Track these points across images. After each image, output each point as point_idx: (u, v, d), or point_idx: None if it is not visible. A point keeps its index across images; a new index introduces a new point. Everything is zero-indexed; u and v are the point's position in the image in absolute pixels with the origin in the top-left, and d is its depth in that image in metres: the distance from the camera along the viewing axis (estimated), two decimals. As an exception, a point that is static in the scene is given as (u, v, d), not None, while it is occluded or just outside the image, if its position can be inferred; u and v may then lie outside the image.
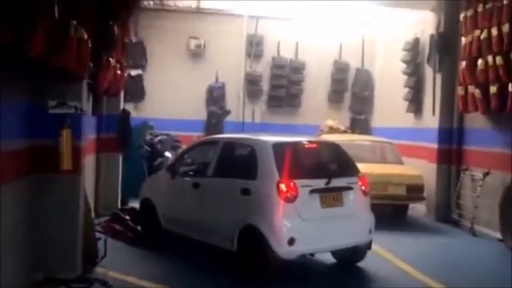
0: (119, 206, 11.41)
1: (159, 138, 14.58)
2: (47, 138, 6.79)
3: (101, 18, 7.27)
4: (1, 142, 5.46)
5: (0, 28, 4.09)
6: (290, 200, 7.31)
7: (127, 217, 10.05)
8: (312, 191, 7.48)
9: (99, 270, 7.62)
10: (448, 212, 12.15)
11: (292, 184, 7.35)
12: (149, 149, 14.03)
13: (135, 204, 10.62)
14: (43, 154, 6.78)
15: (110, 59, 8.77)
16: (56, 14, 4.88)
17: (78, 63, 6.13)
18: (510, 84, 9.75)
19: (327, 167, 8.54)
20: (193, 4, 16.40)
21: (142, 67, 16.33)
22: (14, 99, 6.11)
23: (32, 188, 6.65)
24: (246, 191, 7.67)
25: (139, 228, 9.75)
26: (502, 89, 9.99)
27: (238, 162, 8.52)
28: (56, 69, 5.96)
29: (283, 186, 7.31)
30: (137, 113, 15.62)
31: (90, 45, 6.55)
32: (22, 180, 6.41)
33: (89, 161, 9.64)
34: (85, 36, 6.16)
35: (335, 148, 8.78)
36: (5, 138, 5.63)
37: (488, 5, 10.30)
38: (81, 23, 5.96)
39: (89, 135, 9.47)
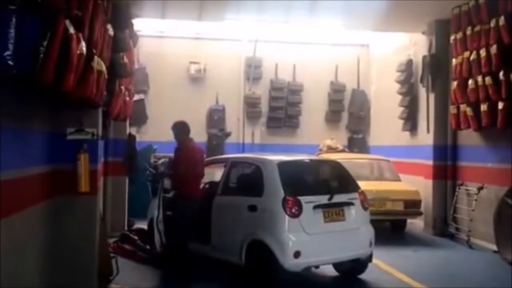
0: (125, 227, 11.62)
1: (162, 160, 14.89)
2: (66, 162, 7.07)
3: (115, 50, 7.72)
4: (28, 167, 5.87)
5: (43, 69, 4.39)
6: (295, 215, 7.57)
7: (136, 237, 10.27)
8: (316, 207, 7.76)
9: (113, 286, 7.90)
10: (445, 226, 12.32)
11: (296, 200, 7.63)
12: (153, 171, 14.28)
13: (141, 225, 10.82)
14: (63, 177, 7.08)
15: (121, 86, 9.19)
16: (84, 51, 5.27)
17: (96, 93, 6.52)
18: (499, 102, 10.04)
19: (329, 184, 8.85)
20: (193, 31, 16.58)
21: (144, 92, 16.55)
22: (37, 127, 6.49)
23: (54, 209, 6.98)
24: (253, 208, 7.94)
25: (148, 247, 9.89)
26: (492, 107, 10.26)
27: (245, 181, 8.78)
28: (74, 98, 6.21)
29: (288, 202, 7.58)
30: (139, 136, 15.49)
31: (106, 76, 6.97)
32: (46, 202, 6.76)
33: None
34: (104, 68, 6.59)
35: (336, 166, 9.13)
36: (30, 163, 6.04)
37: (476, 28, 10.63)
38: (100, 55, 6.39)
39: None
